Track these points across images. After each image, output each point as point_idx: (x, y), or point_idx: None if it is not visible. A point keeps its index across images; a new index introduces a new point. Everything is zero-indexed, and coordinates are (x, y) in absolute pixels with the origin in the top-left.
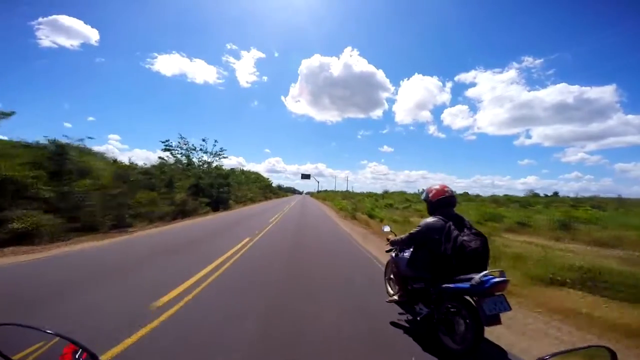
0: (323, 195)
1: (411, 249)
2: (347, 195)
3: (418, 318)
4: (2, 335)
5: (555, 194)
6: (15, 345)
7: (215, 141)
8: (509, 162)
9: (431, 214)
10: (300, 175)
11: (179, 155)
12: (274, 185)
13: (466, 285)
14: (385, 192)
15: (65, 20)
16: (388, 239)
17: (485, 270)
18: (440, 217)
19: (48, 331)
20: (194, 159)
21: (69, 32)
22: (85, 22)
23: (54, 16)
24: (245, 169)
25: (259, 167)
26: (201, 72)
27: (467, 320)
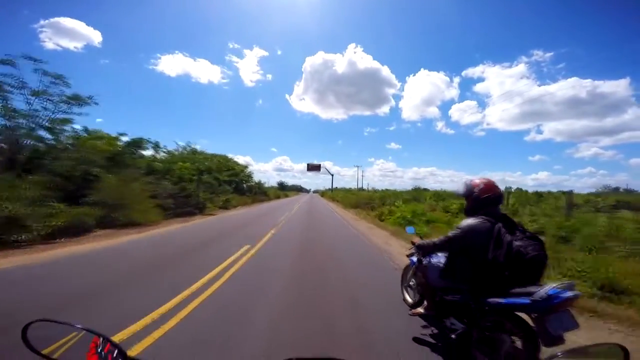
0: (340, 196)
1: (441, 255)
2: (367, 195)
3: (453, 336)
4: (34, 331)
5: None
6: (45, 341)
7: None
8: (520, 158)
9: (471, 213)
10: (306, 166)
11: None
12: (258, 180)
13: (526, 300)
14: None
15: (67, 22)
16: (413, 243)
17: (539, 281)
18: (486, 217)
19: (77, 326)
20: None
21: (72, 34)
22: (88, 24)
23: (56, 18)
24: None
25: (267, 166)
26: (205, 71)
27: (519, 341)
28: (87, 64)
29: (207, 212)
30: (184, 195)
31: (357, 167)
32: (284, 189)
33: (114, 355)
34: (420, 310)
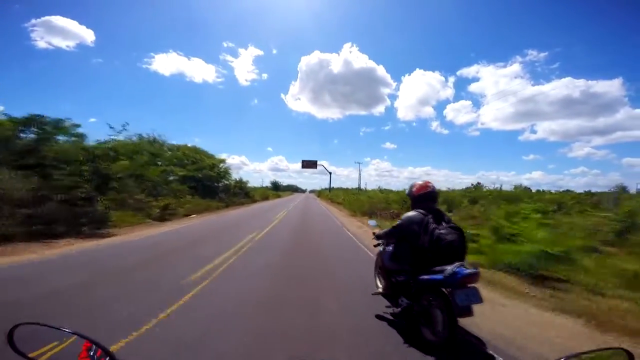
0: (339, 197)
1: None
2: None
3: (398, 310)
4: (21, 334)
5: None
6: (33, 344)
7: None
8: (514, 158)
9: (413, 208)
10: (301, 162)
11: None
12: (237, 176)
13: (439, 276)
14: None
15: (59, 21)
16: (374, 233)
17: (459, 261)
18: (421, 210)
19: (66, 330)
20: None
21: (64, 33)
22: (80, 23)
23: (47, 17)
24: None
25: (263, 166)
26: (199, 71)
27: (443, 312)
28: (80, 63)
29: (104, 232)
30: (65, 199)
31: (358, 163)
32: (277, 189)
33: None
34: (380, 290)
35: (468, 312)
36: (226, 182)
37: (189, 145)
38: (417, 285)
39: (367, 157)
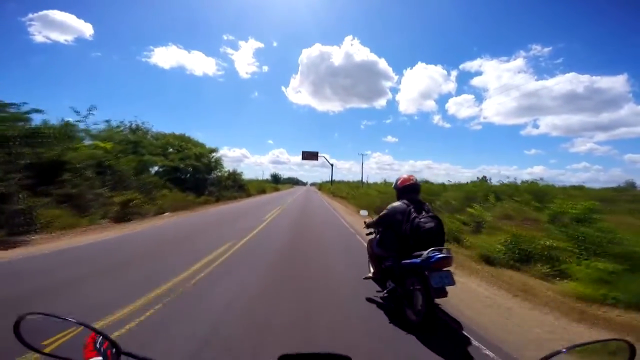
0: (343, 190)
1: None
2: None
3: (385, 292)
4: (27, 325)
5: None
6: (40, 335)
7: None
8: (516, 152)
9: (399, 199)
10: (301, 154)
11: None
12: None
13: (418, 260)
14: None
15: (56, 15)
16: (365, 222)
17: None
18: (405, 201)
19: (71, 320)
20: None
21: (62, 27)
22: (79, 17)
23: (44, 11)
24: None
25: (263, 159)
26: (200, 63)
27: (422, 293)
28: (79, 57)
29: (18, 240)
30: None
31: (362, 155)
32: (278, 182)
33: (113, 351)
34: (370, 275)
35: (443, 294)
36: (218, 173)
37: (177, 133)
38: (401, 270)
39: (368, 151)
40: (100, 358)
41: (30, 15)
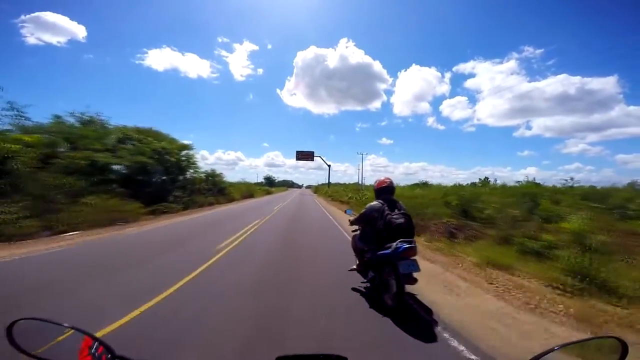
0: (343, 194)
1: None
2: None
3: (365, 281)
4: (20, 330)
5: None
6: (33, 340)
7: None
8: (509, 154)
9: (376, 199)
10: (295, 154)
11: None
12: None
13: (389, 251)
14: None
15: (49, 17)
16: (350, 220)
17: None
18: (380, 201)
19: (65, 325)
20: None
21: (55, 29)
22: (72, 19)
23: (37, 13)
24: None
25: (258, 162)
26: (194, 66)
27: (394, 280)
28: (71, 59)
29: None
30: None
31: (361, 154)
32: (272, 185)
33: (108, 356)
34: (354, 267)
35: (412, 280)
36: (193, 174)
37: (143, 127)
38: (377, 260)
39: (363, 153)
40: None
41: (23, 17)
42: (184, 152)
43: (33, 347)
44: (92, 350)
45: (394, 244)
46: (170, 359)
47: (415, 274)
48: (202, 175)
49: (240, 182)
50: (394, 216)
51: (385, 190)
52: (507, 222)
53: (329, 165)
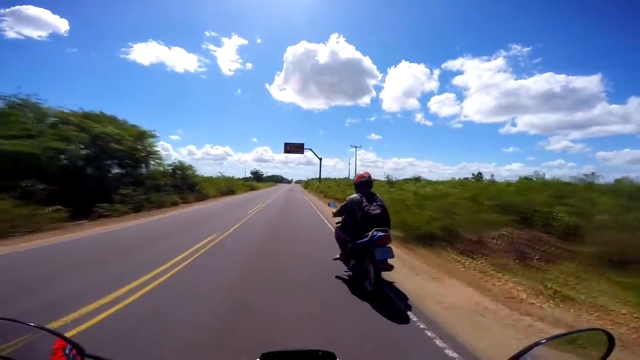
0: (338, 189)
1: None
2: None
3: (347, 268)
4: None
5: None
6: (1, 340)
7: None
8: (495, 150)
9: (356, 192)
10: (284, 146)
11: None
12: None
13: (366, 239)
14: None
15: (30, 10)
16: (333, 212)
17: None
18: (359, 194)
19: (35, 326)
20: None
21: (36, 22)
22: (53, 12)
23: (17, 7)
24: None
25: (247, 157)
26: (181, 60)
27: (372, 266)
28: (53, 53)
29: None
30: None
31: (355, 147)
32: (259, 179)
33: (82, 357)
34: (337, 256)
35: (386, 266)
36: (156, 167)
37: (94, 112)
38: (357, 248)
39: (352, 148)
40: None
41: (2, 11)
42: (148, 142)
43: (1, 349)
44: (66, 352)
45: (370, 232)
46: None
47: None
48: (169, 168)
49: (218, 177)
50: (371, 208)
51: (364, 184)
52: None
53: (320, 159)
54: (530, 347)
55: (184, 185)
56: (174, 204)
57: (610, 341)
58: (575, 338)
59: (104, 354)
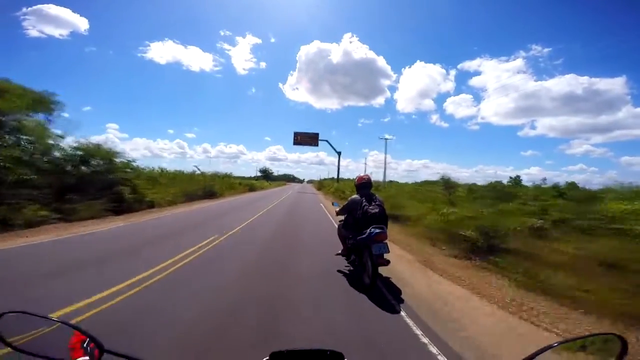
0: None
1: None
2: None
3: (347, 263)
4: (6, 323)
5: None
6: (19, 333)
7: None
8: (512, 153)
9: (357, 193)
10: (293, 136)
11: None
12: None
13: (364, 235)
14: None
15: (52, 9)
16: (336, 211)
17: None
18: (360, 194)
19: (54, 319)
20: None
21: (57, 21)
22: (74, 11)
23: (39, 6)
24: None
25: (260, 156)
26: (197, 59)
27: (370, 261)
28: (73, 51)
29: None
30: None
31: (385, 139)
32: (268, 178)
33: (100, 352)
34: (339, 252)
35: (382, 260)
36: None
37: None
38: (357, 244)
39: (366, 149)
40: (87, 358)
41: (25, 10)
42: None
43: (19, 341)
44: (84, 345)
45: (368, 229)
46: None
47: None
48: (126, 169)
49: (193, 173)
50: (370, 207)
51: (364, 186)
52: None
53: (339, 153)
54: (542, 350)
55: (106, 180)
56: (57, 219)
57: (623, 345)
58: (589, 341)
59: (121, 349)
